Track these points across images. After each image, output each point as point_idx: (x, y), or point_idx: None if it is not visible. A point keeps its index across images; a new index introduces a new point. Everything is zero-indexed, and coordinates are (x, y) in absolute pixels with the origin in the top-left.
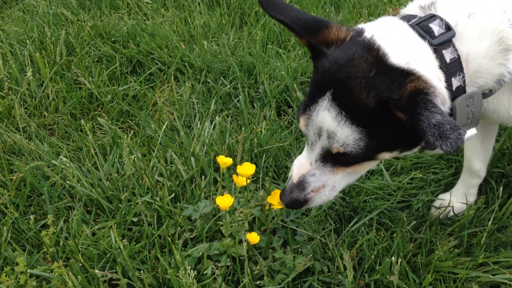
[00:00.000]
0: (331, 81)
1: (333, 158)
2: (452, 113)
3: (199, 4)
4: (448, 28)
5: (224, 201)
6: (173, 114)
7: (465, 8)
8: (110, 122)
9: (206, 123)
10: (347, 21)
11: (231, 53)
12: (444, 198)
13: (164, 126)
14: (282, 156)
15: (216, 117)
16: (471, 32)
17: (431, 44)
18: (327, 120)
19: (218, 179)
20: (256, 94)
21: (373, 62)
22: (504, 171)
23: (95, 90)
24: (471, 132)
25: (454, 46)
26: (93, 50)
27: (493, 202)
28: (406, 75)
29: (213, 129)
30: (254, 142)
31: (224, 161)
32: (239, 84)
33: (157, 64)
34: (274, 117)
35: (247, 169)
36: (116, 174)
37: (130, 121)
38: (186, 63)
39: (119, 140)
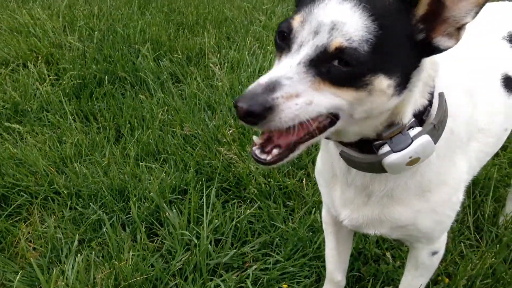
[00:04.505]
0: None
1: (321, 65)
2: None
3: (74, 120)
4: None
5: None
6: (35, 251)
7: None
8: None
9: (70, 259)
10: None
11: (103, 174)
12: None
13: (19, 274)
14: None
15: (84, 251)
16: None
17: None
18: (338, 11)
19: None
20: (127, 216)
21: None
22: (360, 274)
23: None
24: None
25: None
26: None
27: None
28: None
29: (78, 265)
30: (120, 277)
31: None
32: (108, 209)
33: (23, 196)
34: (145, 241)
35: None
36: None
37: None
38: (55, 189)
39: None
